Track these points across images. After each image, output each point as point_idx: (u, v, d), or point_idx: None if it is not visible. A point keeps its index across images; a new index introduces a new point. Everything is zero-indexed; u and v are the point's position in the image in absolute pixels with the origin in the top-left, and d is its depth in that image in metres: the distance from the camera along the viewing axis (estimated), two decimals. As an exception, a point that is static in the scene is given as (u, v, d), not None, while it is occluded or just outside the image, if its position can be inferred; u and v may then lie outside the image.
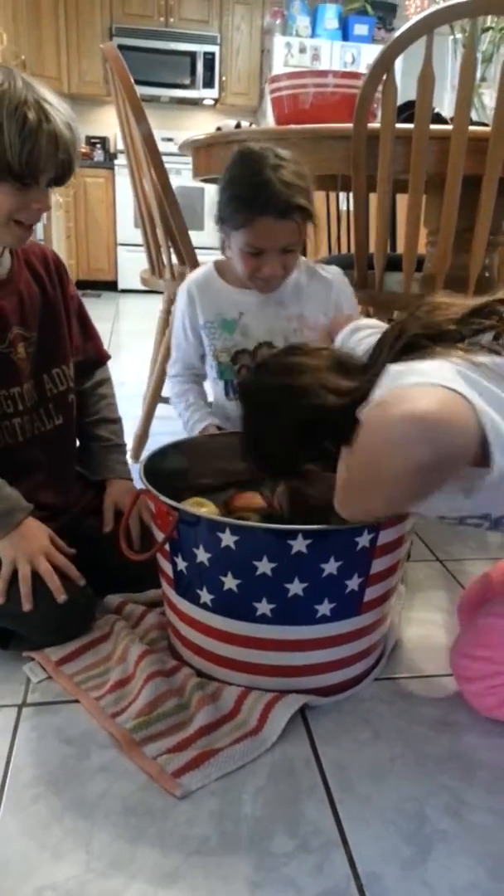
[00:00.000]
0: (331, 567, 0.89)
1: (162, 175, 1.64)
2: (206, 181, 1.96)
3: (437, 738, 0.94)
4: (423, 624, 1.21)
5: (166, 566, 1.00)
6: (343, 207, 2.56)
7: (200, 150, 1.81)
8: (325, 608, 0.92)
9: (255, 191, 1.20)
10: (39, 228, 4.26)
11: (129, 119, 1.66)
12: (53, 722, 0.95)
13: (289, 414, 0.90)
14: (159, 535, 0.99)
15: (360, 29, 5.46)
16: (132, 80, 1.62)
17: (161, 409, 1.96)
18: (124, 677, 1.01)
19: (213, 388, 1.49)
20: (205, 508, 1.13)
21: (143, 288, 2.02)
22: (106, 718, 0.94)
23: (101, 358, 1.38)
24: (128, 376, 2.63)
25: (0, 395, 1.13)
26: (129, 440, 1.98)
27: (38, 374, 1.19)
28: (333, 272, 1.42)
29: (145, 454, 1.12)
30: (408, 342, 0.83)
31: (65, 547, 1.13)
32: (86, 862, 0.75)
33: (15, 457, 1.16)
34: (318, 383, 0.89)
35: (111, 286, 5.77)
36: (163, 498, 0.95)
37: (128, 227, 5.50)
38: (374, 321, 1.14)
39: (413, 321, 0.85)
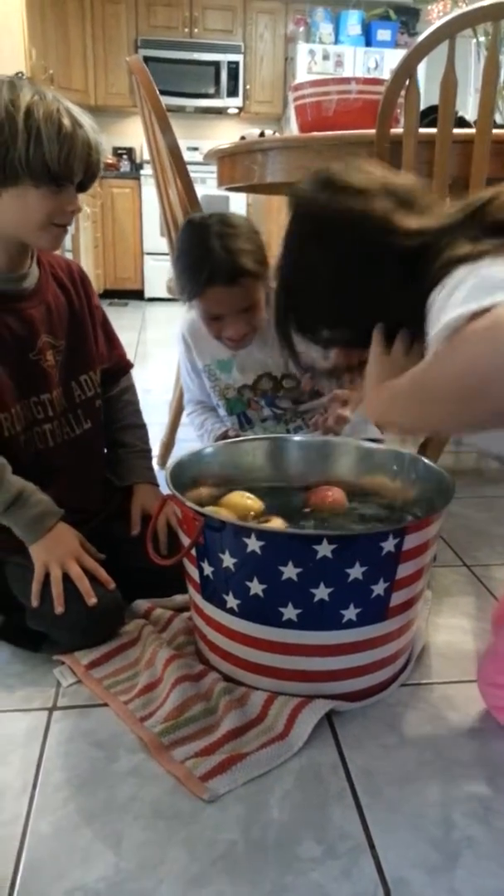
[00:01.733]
0: (356, 572, 0.89)
1: (187, 184, 1.66)
2: (230, 189, 1.97)
3: (465, 744, 0.94)
4: (451, 630, 1.20)
5: (193, 571, 1.01)
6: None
7: (224, 160, 1.82)
8: (350, 613, 0.92)
9: (201, 264, 1.24)
10: (67, 239, 4.32)
11: (155, 130, 1.68)
12: (83, 725, 0.96)
13: (352, 243, 0.81)
14: (186, 540, 1.00)
15: (384, 34, 5.47)
16: (157, 92, 1.64)
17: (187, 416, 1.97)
18: (152, 681, 1.02)
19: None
20: (250, 501, 1.14)
21: (169, 296, 2.04)
22: (134, 722, 0.95)
23: (126, 366, 1.42)
24: (154, 384, 2.65)
25: (31, 402, 1.16)
26: (155, 447, 1.99)
27: (67, 381, 1.22)
28: None
29: (172, 460, 1.13)
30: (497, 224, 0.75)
31: (95, 552, 1.15)
32: (115, 864, 0.76)
33: (46, 461, 1.19)
34: (387, 215, 0.80)
35: (138, 295, 5.83)
36: (189, 503, 0.96)
37: (154, 237, 5.55)
38: None
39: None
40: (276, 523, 1.05)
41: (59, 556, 1.09)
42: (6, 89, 0.98)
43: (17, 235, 1.08)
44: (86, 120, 1.04)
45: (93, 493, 1.28)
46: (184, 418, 1.99)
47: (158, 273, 5.61)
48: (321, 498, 1.15)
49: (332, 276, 0.84)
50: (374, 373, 0.81)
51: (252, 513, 1.11)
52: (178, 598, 1.22)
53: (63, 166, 1.01)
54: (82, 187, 1.09)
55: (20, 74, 1.09)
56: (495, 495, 1.82)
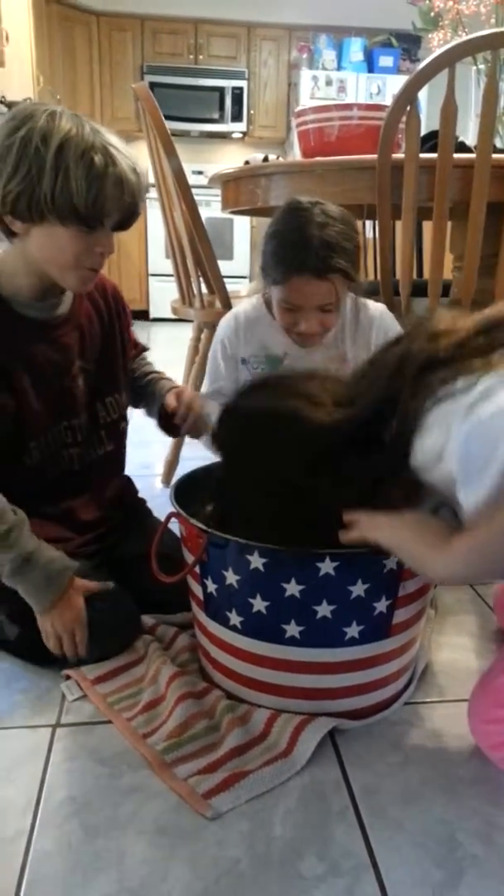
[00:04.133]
0: (358, 589, 0.90)
1: (192, 208, 1.69)
2: (234, 213, 2.01)
3: (468, 762, 0.94)
4: (453, 648, 1.20)
5: (196, 588, 1.02)
6: (369, 235, 2.59)
7: (229, 184, 1.86)
8: (353, 630, 0.93)
9: (295, 249, 1.18)
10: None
11: (160, 155, 1.71)
12: (86, 742, 0.97)
13: (294, 458, 0.86)
14: (190, 558, 1.00)
15: (385, 61, 5.56)
16: (163, 119, 1.68)
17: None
18: (155, 698, 1.03)
19: None
20: None
21: (173, 317, 2.07)
22: (137, 739, 0.96)
23: (140, 350, 1.42)
24: (159, 403, 2.67)
25: (62, 426, 1.16)
26: (159, 465, 2.01)
27: (92, 403, 1.21)
28: (380, 309, 1.39)
29: (176, 478, 1.14)
30: (424, 364, 0.80)
31: (105, 586, 1.15)
32: (118, 881, 0.76)
33: (67, 483, 1.19)
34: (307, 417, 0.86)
35: (143, 315, 5.88)
36: (193, 521, 0.97)
37: (159, 258, 5.62)
38: None
39: (418, 347, 0.82)
40: None
41: (66, 625, 1.07)
42: (43, 120, 0.95)
43: (45, 271, 1.05)
44: (124, 159, 0.98)
45: (107, 510, 1.28)
46: (188, 437, 2.01)
47: (163, 294, 5.67)
48: None
49: (292, 493, 0.88)
50: (416, 538, 0.81)
51: None
52: (183, 615, 1.22)
53: (92, 208, 0.96)
54: (121, 227, 1.05)
55: (27, 100, 1.08)
56: (498, 514, 1.82)
